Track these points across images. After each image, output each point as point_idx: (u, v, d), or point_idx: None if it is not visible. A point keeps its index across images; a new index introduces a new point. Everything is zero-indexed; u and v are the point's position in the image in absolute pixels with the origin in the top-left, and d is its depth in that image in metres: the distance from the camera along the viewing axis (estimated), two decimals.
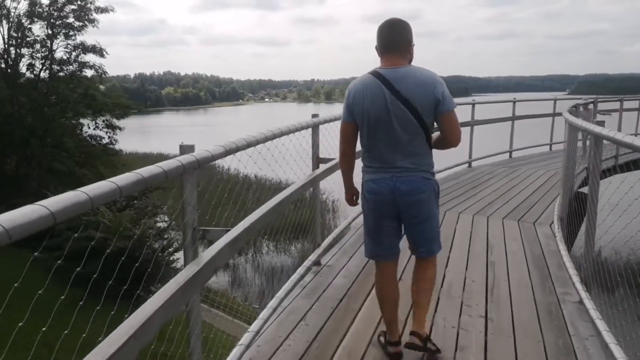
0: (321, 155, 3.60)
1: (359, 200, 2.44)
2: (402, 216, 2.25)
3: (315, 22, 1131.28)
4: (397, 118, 2.12)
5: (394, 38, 2.18)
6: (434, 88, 2.09)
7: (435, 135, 2.27)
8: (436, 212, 2.32)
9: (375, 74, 2.17)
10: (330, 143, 3.31)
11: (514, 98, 9.30)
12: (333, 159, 3.55)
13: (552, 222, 4.76)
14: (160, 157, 39.27)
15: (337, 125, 2.57)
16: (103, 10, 18.11)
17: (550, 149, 10.09)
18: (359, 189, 2.41)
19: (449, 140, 2.23)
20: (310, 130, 3.42)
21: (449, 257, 3.84)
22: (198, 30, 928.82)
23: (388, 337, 2.41)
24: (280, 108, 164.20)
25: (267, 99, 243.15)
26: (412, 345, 2.32)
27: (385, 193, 2.20)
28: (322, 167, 3.57)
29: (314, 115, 3.52)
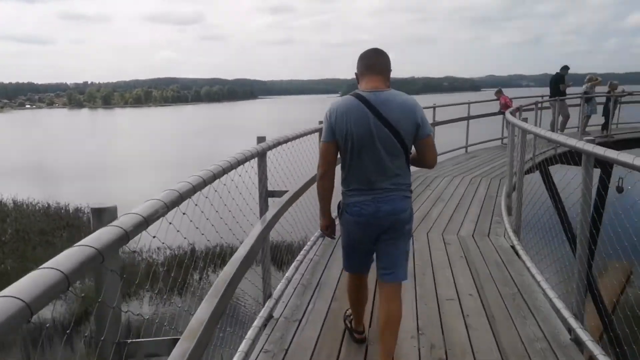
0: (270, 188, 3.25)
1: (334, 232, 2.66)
2: (382, 236, 2.35)
3: (86, 19, 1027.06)
4: (380, 140, 2.24)
5: (379, 60, 2.35)
6: (415, 113, 2.25)
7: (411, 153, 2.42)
8: (411, 232, 2.46)
9: (358, 96, 2.28)
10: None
11: (469, 100, 10.62)
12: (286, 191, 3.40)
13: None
14: None
15: (285, 149, 3.48)
16: None
17: None
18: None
19: (426, 163, 2.41)
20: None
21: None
22: None
23: (354, 325, 2.78)
24: (48, 115, 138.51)
25: (28, 105, 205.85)
26: None
27: (367, 215, 2.31)
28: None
29: (260, 139, 3.12)
